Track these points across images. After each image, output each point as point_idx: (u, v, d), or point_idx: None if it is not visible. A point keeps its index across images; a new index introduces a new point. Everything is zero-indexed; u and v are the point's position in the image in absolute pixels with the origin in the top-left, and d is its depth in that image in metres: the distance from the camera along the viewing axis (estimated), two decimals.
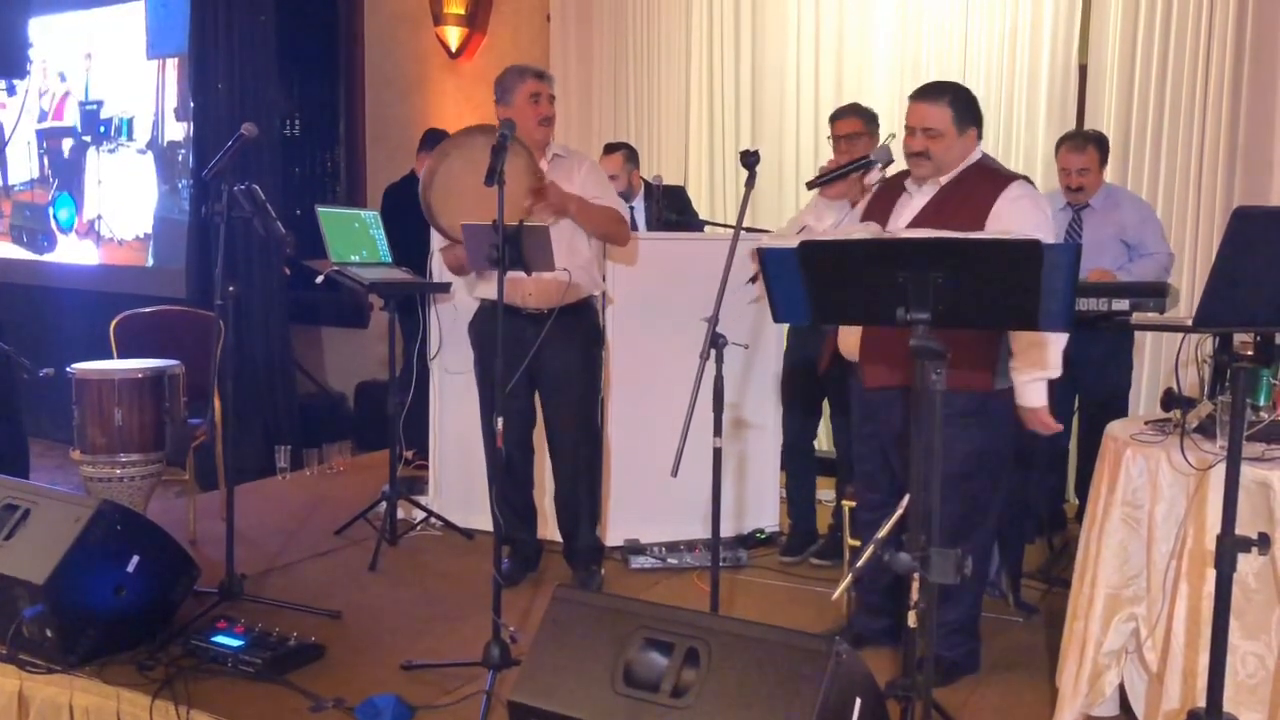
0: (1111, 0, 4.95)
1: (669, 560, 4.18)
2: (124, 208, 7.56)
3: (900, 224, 3.08)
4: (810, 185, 3.71)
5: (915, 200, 3.13)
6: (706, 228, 5.11)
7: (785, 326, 4.37)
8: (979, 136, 3.12)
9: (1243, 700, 2.48)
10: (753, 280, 4.01)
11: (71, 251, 7.92)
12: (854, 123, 4.09)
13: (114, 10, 7.53)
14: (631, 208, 5.00)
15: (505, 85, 3.73)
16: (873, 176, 4.06)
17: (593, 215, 3.73)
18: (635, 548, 4.23)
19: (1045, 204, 3.10)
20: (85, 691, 3.09)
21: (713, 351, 2.91)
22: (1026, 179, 3.10)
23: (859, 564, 2.32)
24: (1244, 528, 2.26)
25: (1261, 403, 2.66)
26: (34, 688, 3.15)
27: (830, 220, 3.58)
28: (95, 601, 3.14)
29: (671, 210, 4.84)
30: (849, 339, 3.18)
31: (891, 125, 4.31)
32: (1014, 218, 2.93)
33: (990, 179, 3.05)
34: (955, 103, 3.04)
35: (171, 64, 7.20)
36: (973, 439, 2.99)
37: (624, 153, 5.07)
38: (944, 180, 3.08)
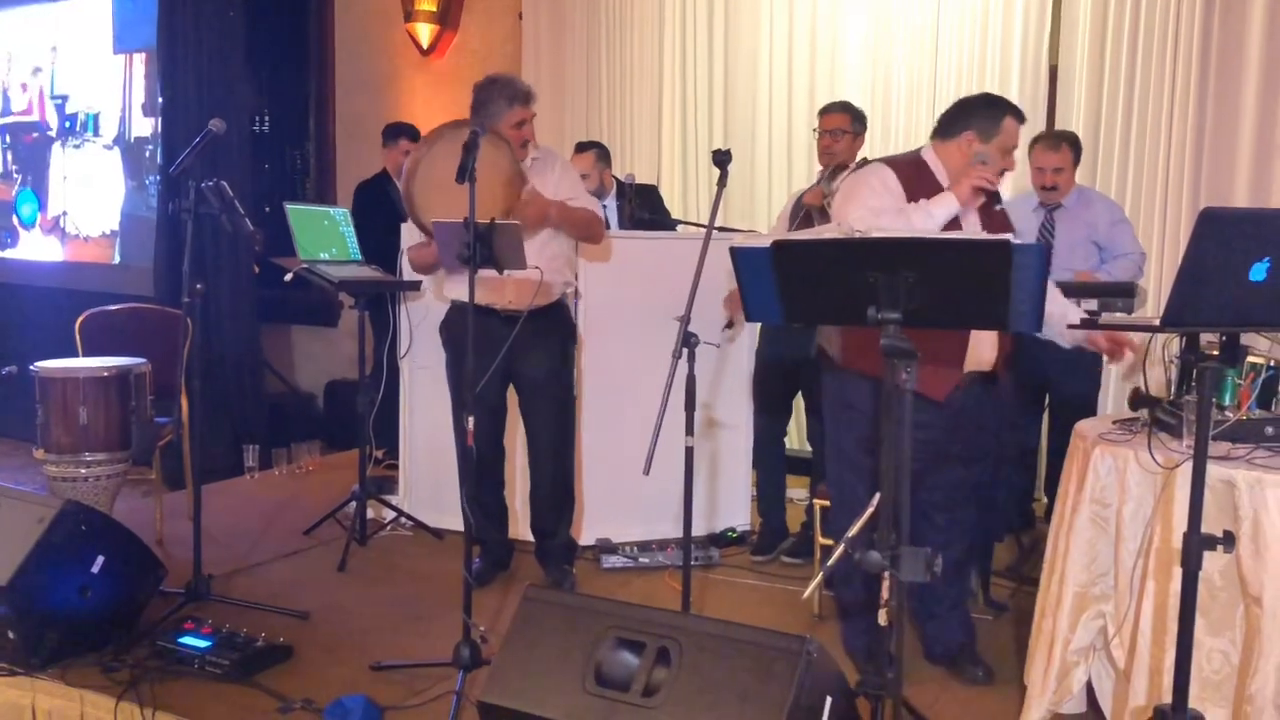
0: (1081, 2, 4.99)
1: (641, 559, 4.17)
2: (90, 204, 7.47)
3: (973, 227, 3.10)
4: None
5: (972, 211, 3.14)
6: (679, 227, 5.11)
7: (758, 325, 4.38)
8: None
9: (1208, 696, 2.50)
10: (728, 326, 4.08)
11: (36, 248, 7.82)
12: (841, 119, 4.15)
13: (80, 3, 7.44)
14: (604, 206, 4.98)
15: (489, 106, 3.63)
16: (839, 181, 4.09)
17: (574, 219, 3.73)
18: (607, 547, 4.23)
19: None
20: (48, 694, 3.05)
21: (685, 350, 2.91)
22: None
23: (829, 562, 2.32)
24: (1210, 526, 2.27)
25: (1227, 402, 2.69)
26: None
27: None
28: (59, 603, 3.10)
29: (644, 209, 4.84)
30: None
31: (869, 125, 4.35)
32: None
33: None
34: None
35: (139, 59, 7.12)
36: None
37: (596, 151, 5.06)
38: None
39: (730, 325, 4.19)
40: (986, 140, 3.04)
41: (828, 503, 3.63)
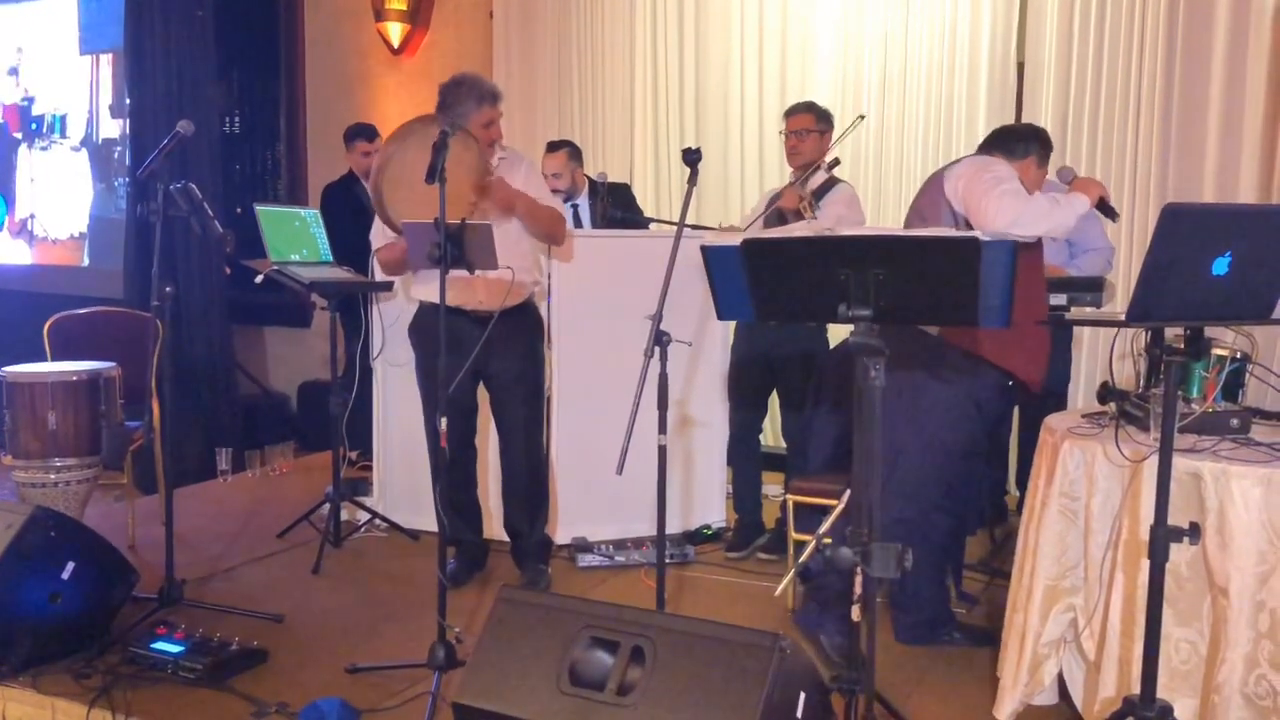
0: None
1: (616, 558, 4.18)
2: (58, 206, 7.41)
3: None
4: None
5: None
6: (652, 225, 5.12)
7: (732, 323, 4.39)
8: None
9: (1176, 686, 2.53)
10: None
11: (3, 251, 7.74)
12: (805, 119, 4.16)
13: (46, 3, 7.36)
14: (575, 205, 4.99)
15: (457, 107, 3.60)
16: (816, 180, 4.11)
17: (538, 214, 3.73)
18: (582, 546, 4.23)
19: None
20: (19, 702, 3.03)
21: (657, 349, 2.91)
22: None
23: (801, 559, 2.33)
24: (1176, 518, 2.30)
25: (1193, 395, 2.72)
26: None
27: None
28: (29, 609, 3.08)
29: (617, 207, 4.84)
30: None
31: (838, 121, 4.36)
32: None
33: None
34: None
35: (106, 59, 7.07)
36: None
37: (567, 150, 5.06)
38: None
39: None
40: (1041, 166, 3.23)
41: (802, 499, 3.65)
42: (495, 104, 3.67)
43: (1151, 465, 2.41)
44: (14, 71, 7.65)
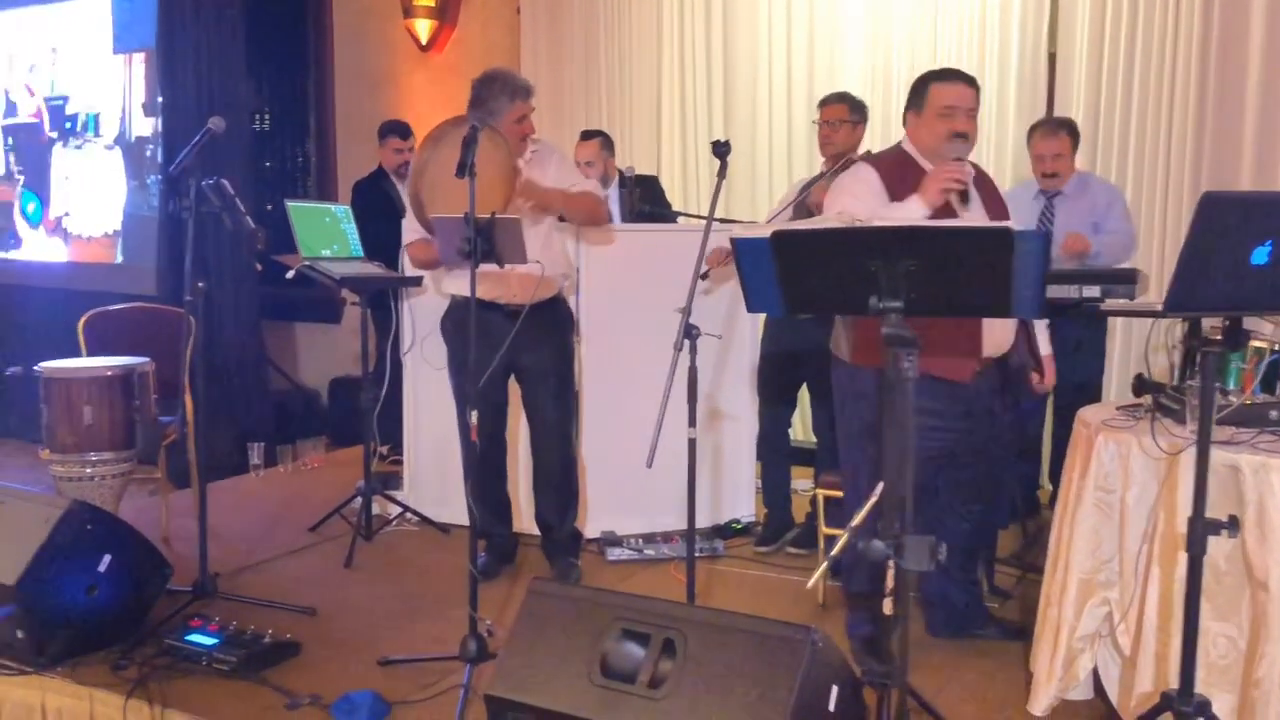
0: None
1: (645, 551, 4.18)
2: (92, 204, 7.47)
3: (977, 213, 3.10)
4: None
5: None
6: (679, 218, 5.11)
7: (762, 316, 4.38)
8: None
9: (1214, 681, 2.50)
10: (704, 276, 4.01)
11: (39, 249, 7.82)
12: (839, 110, 4.15)
13: (80, 4, 7.43)
14: (606, 195, 4.99)
15: (490, 103, 3.62)
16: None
17: (576, 204, 3.74)
18: (611, 539, 4.23)
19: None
20: (58, 693, 3.06)
21: (686, 342, 2.91)
22: None
23: (834, 552, 2.32)
24: (1214, 511, 2.27)
25: (1230, 386, 2.69)
26: (5, 690, 3.11)
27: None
28: (67, 602, 3.12)
29: (645, 201, 4.84)
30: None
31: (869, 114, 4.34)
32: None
33: (979, 167, 3.21)
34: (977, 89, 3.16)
35: (138, 59, 7.12)
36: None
37: (600, 140, 5.07)
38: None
39: (706, 275, 3.95)
40: (920, 113, 3.10)
41: (833, 493, 3.64)
42: (528, 99, 3.68)
43: (1189, 458, 2.38)
44: (37, 71, 7.73)
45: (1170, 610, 2.53)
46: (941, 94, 3.07)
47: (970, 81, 3.13)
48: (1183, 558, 2.31)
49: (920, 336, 2.91)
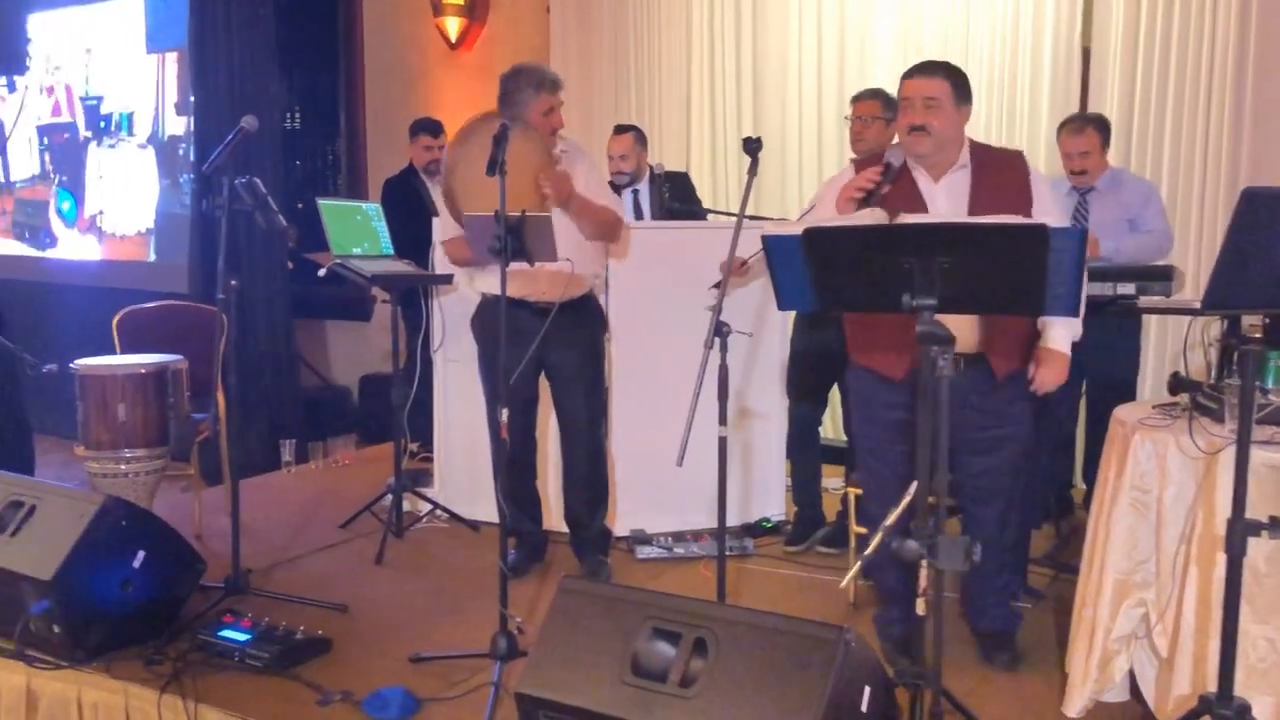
0: None
1: (675, 550, 4.17)
2: (125, 203, 7.55)
3: (940, 210, 3.01)
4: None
5: (943, 188, 3.04)
6: (709, 216, 5.10)
7: (791, 314, 4.36)
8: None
9: (1254, 684, 2.47)
10: (716, 286, 4.01)
11: (74, 247, 7.91)
12: (873, 106, 4.11)
13: (113, 4, 7.51)
14: (636, 191, 4.99)
15: (516, 95, 3.62)
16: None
17: (590, 213, 3.69)
18: (641, 538, 4.22)
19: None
20: (93, 687, 3.09)
21: (717, 340, 2.90)
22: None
23: (867, 552, 2.30)
24: (1254, 511, 2.24)
25: (1270, 385, 2.65)
26: (42, 684, 3.15)
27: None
28: (102, 597, 3.14)
29: (676, 198, 4.84)
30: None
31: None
32: (1044, 197, 3.01)
33: (1005, 158, 3.09)
34: (952, 76, 3.05)
35: (171, 58, 7.18)
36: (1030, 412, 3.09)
37: (634, 134, 5.06)
38: (960, 165, 3.04)
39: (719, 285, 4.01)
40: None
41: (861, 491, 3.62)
42: (555, 91, 3.66)
43: (1227, 457, 2.35)
44: (69, 71, 7.81)
45: (1209, 612, 2.50)
46: (900, 88, 3.07)
47: (927, 71, 3.05)
48: (1221, 559, 2.28)
49: (864, 332, 2.89)
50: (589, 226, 3.74)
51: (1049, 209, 2.98)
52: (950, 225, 2.28)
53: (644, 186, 4.99)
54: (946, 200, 3.03)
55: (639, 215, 4.92)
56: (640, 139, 5.09)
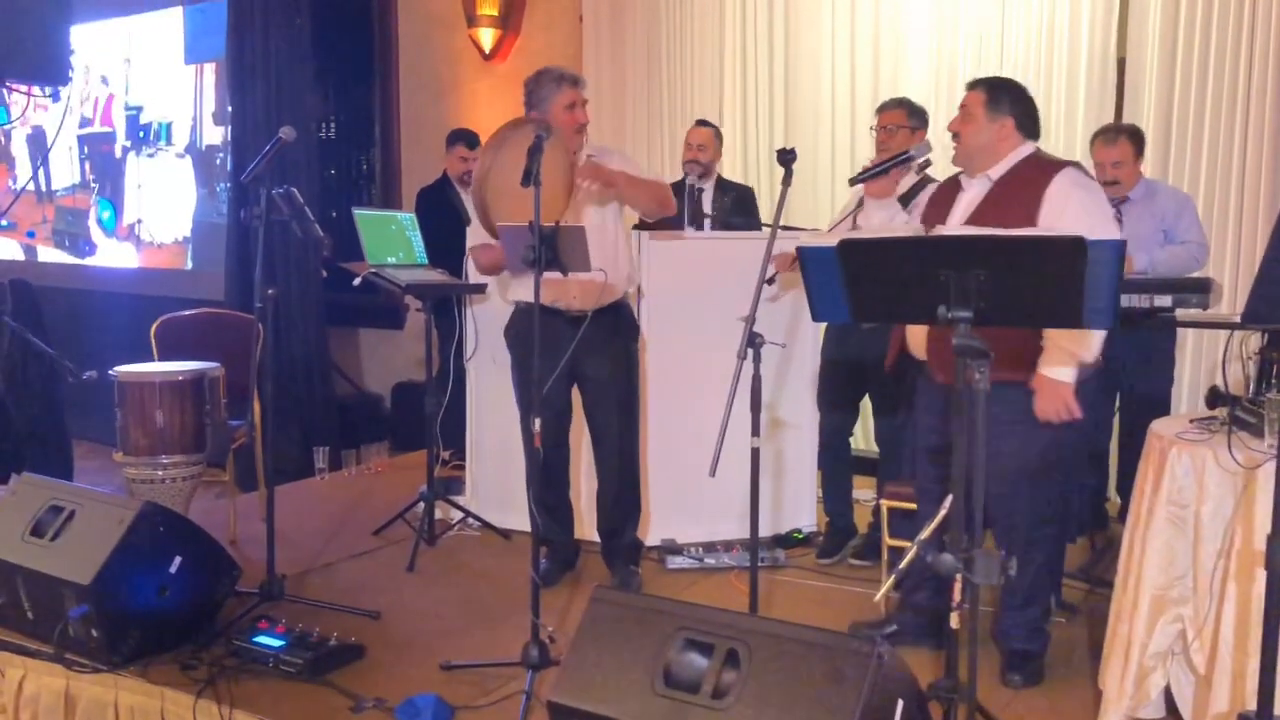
0: None
1: (706, 560, 4.16)
2: (163, 211, 7.66)
3: (955, 220, 3.04)
4: (852, 181, 3.69)
5: (968, 196, 3.10)
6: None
7: (823, 325, 4.35)
8: (1024, 130, 3.09)
9: None
10: (770, 281, 3.98)
11: (112, 255, 8.03)
12: (897, 115, 4.10)
13: (153, 16, 7.62)
14: (700, 189, 4.95)
15: (539, 92, 3.67)
16: (907, 181, 4.04)
17: (640, 187, 3.71)
18: (672, 548, 4.22)
19: (1097, 188, 3.10)
20: (130, 691, 3.13)
21: (750, 351, 2.90)
22: (1077, 165, 3.08)
23: (902, 565, 2.29)
24: None
25: None
26: (80, 687, 3.18)
27: (878, 218, 3.55)
28: (139, 602, 3.18)
29: (737, 212, 4.86)
30: (916, 336, 3.17)
31: (933, 121, 4.28)
32: (1064, 207, 2.90)
33: (1040, 169, 3.02)
34: (989, 89, 3.09)
35: (209, 69, 7.28)
36: (1044, 434, 2.97)
37: (714, 130, 5.10)
38: (995, 175, 3.05)
39: (772, 280, 3.88)
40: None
41: (898, 504, 3.61)
42: (576, 86, 3.69)
43: (1267, 472, 2.33)
44: (111, 82, 7.92)
45: (1248, 629, 2.47)
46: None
47: (970, 84, 3.17)
48: (1261, 575, 2.25)
49: (947, 349, 2.87)
50: (644, 200, 3.75)
51: (1075, 221, 2.77)
52: (987, 238, 2.27)
53: (709, 186, 4.99)
54: (963, 210, 3.06)
55: (698, 211, 4.87)
56: (719, 136, 5.11)
